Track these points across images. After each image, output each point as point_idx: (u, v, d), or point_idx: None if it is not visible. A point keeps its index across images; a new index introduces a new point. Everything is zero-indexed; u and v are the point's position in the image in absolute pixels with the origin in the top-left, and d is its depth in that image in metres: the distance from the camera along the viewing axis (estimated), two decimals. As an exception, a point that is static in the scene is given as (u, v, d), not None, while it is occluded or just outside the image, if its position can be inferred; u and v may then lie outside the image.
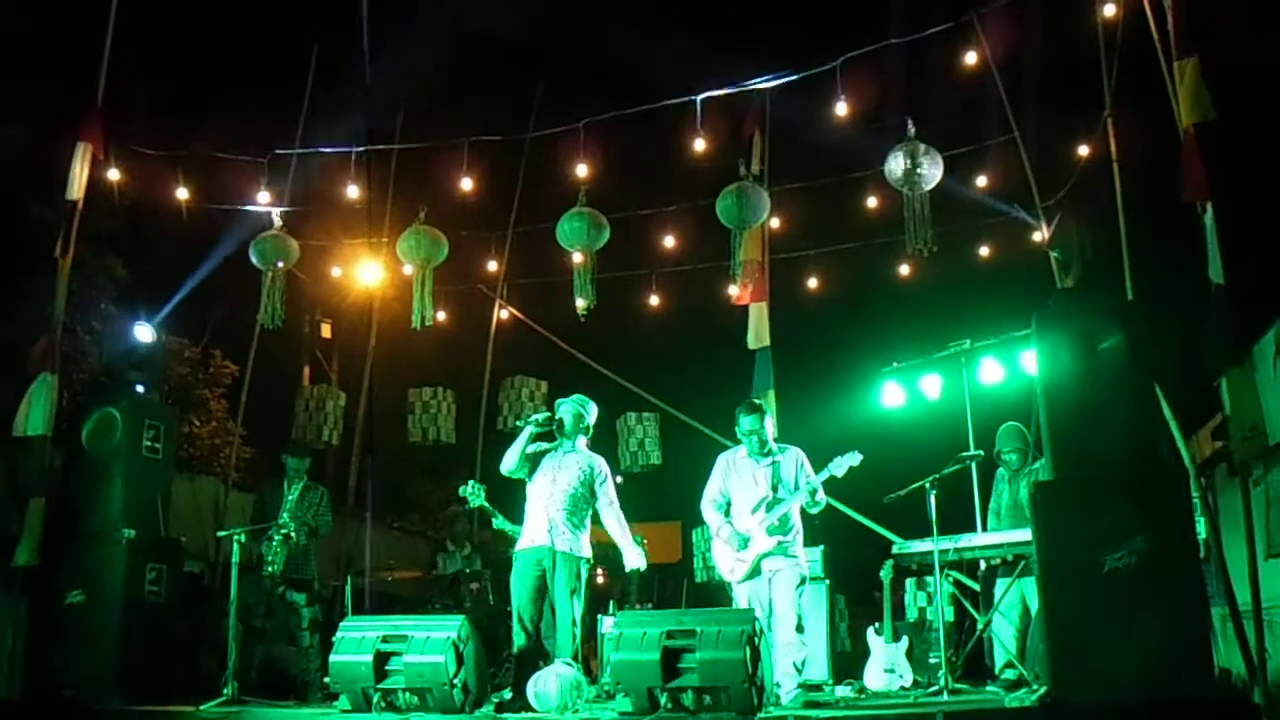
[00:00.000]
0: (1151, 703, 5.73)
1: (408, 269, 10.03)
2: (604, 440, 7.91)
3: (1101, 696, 5.84)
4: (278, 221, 9.84)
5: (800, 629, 7.28)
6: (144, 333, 8.93)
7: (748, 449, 7.64)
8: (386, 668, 6.63)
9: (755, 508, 7.45)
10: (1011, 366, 9.39)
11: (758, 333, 10.71)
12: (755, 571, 7.40)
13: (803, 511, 7.56)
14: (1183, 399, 7.88)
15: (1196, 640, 5.92)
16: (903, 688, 8.34)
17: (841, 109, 9.15)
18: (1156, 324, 6.69)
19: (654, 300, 13.00)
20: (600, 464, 7.57)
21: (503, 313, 13.35)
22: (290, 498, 9.03)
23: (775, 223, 10.82)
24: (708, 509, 7.70)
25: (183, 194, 10.42)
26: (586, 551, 7.39)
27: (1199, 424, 10.37)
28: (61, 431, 8.66)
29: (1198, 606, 6.01)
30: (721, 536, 7.55)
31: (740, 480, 7.60)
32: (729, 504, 7.64)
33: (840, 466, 7.30)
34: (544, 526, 7.30)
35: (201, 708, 7.27)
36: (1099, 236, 7.80)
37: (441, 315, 10.85)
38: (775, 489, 7.46)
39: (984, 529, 8.35)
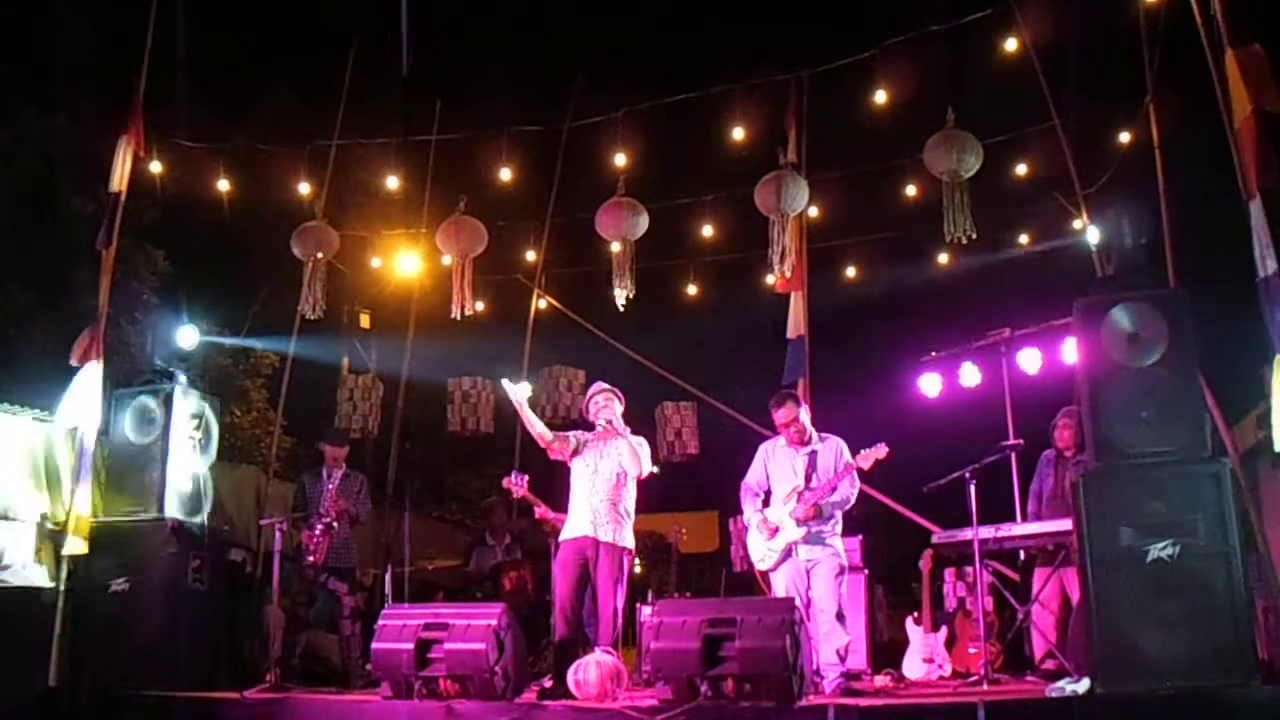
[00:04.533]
0: (1192, 694, 5.69)
1: (446, 259, 10.05)
2: (642, 430, 7.91)
3: (1142, 687, 5.80)
4: (318, 213, 9.89)
5: (841, 618, 7.28)
6: (188, 336, 8.98)
7: (786, 439, 7.64)
8: (428, 655, 6.67)
9: (788, 497, 7.46)
10: (1051, 355, 9.33)
11: (794, 322, 10.66)
12: (784, 559, 7.42)
13: (835, 500, 7.57)
14: (1226, 388, 7.79)
15: (1239, 631, 5.87)
16: (942, 677, 8.32)
17: (881, 97, 9.12)
18: (1199, 312, 6.61)
19: (692, 289, 12.99)
20: (639, 441, 7.60)
21: (541, 302, 13.38)
22: (330, 486, 9.10)
23: (814, 211, 10.77)
24: (745, 497, 7.74)
25: (224, 186, 10.49)
26: (630, 542, 7.41)
27: (1243, 413, 10.27)
28: (106, 421, 8.74)
29: (1241, 597, 5.96)
30: (753, 525, 7.57)
31: (779, 469, 7.62)
32: (768, 494, 7.66)
33: (866, 459, 7.29)
34: (587, 517, 7.34)
35: (245, 695, 7.36)
36: (1141, 223, 7.72)
37: (480, 305, 10.88)
38: (809, 479, 7.46)
39: (1023, 516, 8.31)
